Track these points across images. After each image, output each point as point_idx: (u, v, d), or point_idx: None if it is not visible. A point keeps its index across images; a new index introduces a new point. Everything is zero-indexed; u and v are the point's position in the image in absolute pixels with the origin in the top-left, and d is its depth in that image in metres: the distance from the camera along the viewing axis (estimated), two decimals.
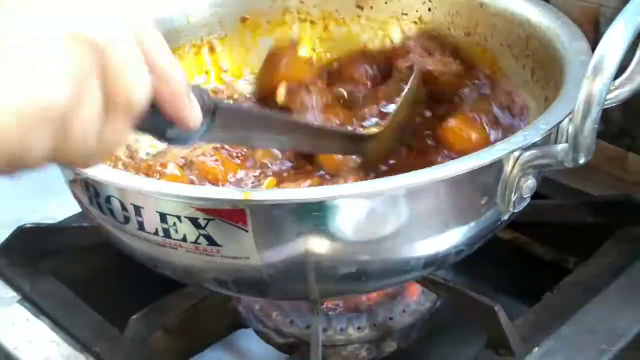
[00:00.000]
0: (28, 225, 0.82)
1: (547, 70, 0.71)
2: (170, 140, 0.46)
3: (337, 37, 0.88)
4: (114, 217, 0.59)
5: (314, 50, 0.88)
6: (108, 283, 0.79)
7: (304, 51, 0.88)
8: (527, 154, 0.56)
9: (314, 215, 0.54)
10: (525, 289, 0.80)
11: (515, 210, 0.60)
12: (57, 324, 0.72)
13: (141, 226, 0.58)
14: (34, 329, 0.72)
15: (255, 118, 0.58)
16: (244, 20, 0.87)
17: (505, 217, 0.61)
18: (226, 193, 0.54)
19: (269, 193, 0.53)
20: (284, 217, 0.54)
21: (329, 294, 0.66)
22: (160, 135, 0.45)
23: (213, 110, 0.47)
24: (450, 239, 0.59)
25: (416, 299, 0.74)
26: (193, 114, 0.45)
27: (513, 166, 0.57)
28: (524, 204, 0.60)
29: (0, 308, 0.75)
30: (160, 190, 0.54)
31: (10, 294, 0.77)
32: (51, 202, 0.87)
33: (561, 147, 0.55)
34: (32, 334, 0.72)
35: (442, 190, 0.56)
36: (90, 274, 0.81)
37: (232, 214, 0.54)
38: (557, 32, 0.71)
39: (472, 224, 0.59)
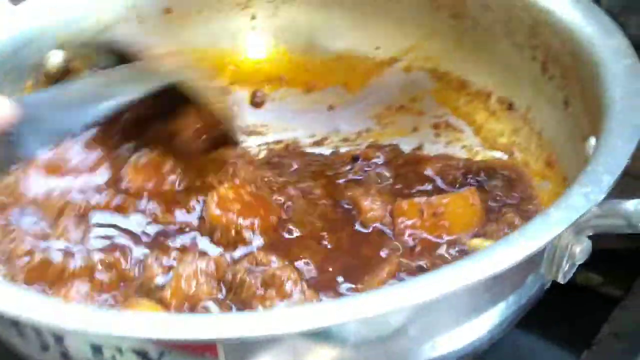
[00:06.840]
0: None
1: (564, 68, 0.58)
2: None
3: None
4: (29, 344, 0.42)
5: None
6: None
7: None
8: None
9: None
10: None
11: (565, 281, 0.45)
12: None
13: (65, 357, 0.41)
14: None
15: None
16: (168, 12, 0.69)
17: (549, 285, 0.47)
18: (189, 331, 0.37)
19: (245, 327, 0.37)
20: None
21: None
22: None
23: None
24: (483, 325, 0.45)
25: None
26: None
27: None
28: (574, 269, 0.46)
29: None
30: (86, 327, 0.37)
31: None
32: None
33: (633, 203, 0.41)
34: None
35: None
36: None
37: (198, 347, 0.38)
38: (578, 21, 0.56)
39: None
